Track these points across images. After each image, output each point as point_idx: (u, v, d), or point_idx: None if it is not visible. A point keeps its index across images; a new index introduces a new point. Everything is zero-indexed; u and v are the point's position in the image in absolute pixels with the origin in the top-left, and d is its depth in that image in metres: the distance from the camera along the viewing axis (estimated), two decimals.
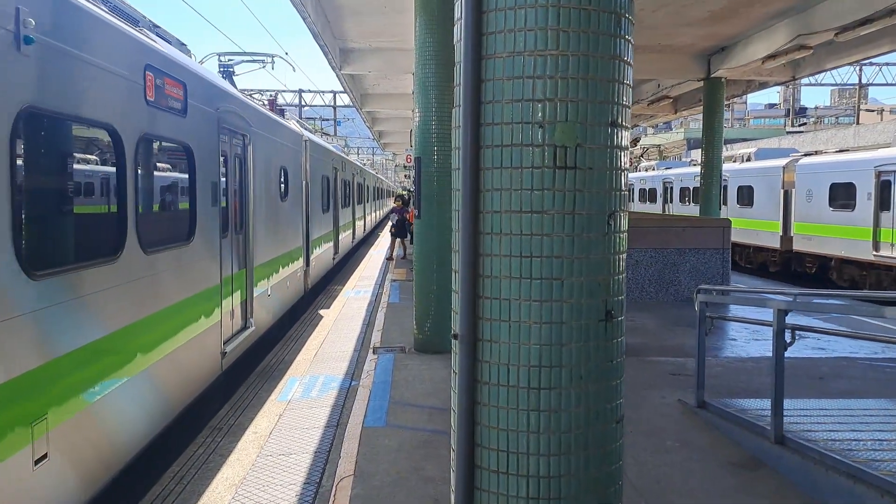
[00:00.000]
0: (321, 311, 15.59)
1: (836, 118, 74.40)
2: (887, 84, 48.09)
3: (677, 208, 30.75)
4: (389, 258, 22.97)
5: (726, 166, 24.60)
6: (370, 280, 19.53)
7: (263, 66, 15.80)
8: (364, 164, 45.89)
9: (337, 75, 19.72)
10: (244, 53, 15.29)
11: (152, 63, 6.21)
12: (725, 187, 24.00)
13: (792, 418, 5.72)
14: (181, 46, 8.36)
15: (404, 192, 29.37)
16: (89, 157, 5.52)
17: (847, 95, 75.83)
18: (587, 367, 2.84)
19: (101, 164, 5.58)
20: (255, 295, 10.07)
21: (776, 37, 15.00)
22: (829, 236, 19.57)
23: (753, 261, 24.12)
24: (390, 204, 28.07)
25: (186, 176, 7.30)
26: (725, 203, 24.02)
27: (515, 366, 2.83)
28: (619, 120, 2.89)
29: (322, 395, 8.72)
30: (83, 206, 5.35)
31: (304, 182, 14.83)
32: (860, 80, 47.43)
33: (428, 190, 9.21)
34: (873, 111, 59.09)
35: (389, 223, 24.64)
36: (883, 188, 17.61)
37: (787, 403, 5.61)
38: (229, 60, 14.77)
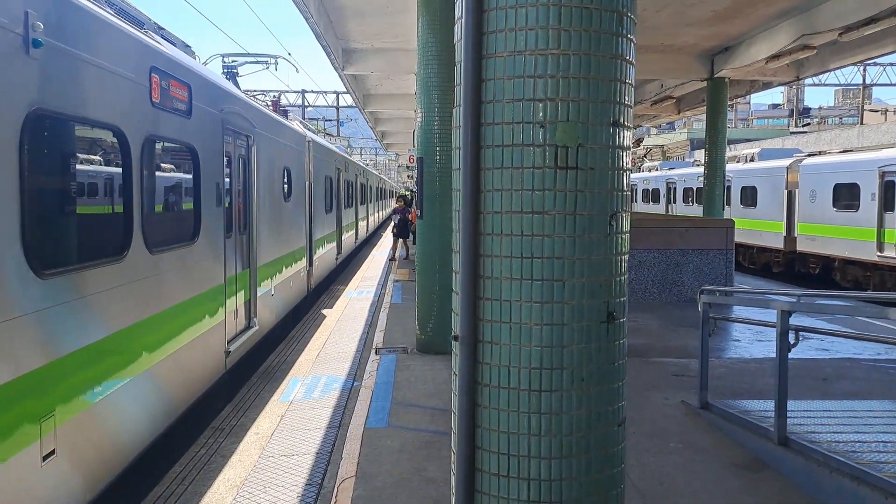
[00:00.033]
0: (324, 311, 15.59)
1: (840, 118, 74.23)
2: (891, 84, 48.04)
3: (680, 209, 30.70)
4: (392, 259, 22.97)
5: (730, 167, 24.54)
6: (373, 280, 19.51)
7: (267, 67, 15.85)
8: (367, 165, 45.89)
9: (340, 76, 19.72)
10: (248, 55, 15.35)
11: (157, 65, 6.27)
12: (729, 188, 23.95)
13: (795, 420, 5.70)
14: (185, 48, 8.43)
15: (407, 193, 29.38)
16: (96, 158, 5.59)
17: (851, 96, 75.66)
18: (588, 369, 2.81)
19: (108, 165, 5.64)
20: (258, 295, 10.12)
21: (780, 37, 14.96)
22: (833, 237, 19.51)
23: (757, 261, 24.07)
24: (393, 204, 28.04)
25: (191, 176, 7.37)
26: (729, 203, 23.97)
27: (516, 368, 2.81)
28: (621, 120, 2.87)
29: (324, 396, 8.70)
30: (90, 207, 5.43)
31: (307, 182, 14.86)
32: (864, 80, 47.30)
33: (430, 190, 9.20)
34: (877, 111, 58.94)
35: (392, 223, 24.64)
36: (887, 189, 17.55)
37: (790, 405, 5.58)
38: (233, 62, 14.86)
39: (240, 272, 9.25)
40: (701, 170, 23.18)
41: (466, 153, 2.84)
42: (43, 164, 4.62)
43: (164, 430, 6.47)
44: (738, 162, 26.65)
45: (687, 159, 48.45)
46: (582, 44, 2.74)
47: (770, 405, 5.70)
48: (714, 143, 19.33)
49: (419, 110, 9.25)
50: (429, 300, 9.35)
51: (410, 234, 22.24)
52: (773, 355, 5.66)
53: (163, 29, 7.76)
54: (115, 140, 5.50)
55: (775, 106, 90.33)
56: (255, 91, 33.91)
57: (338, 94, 43.63)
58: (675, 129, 61.84)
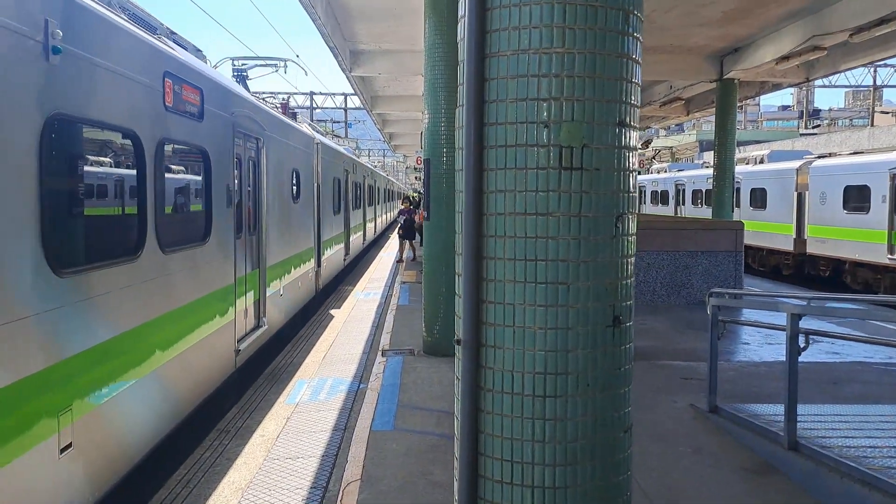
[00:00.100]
0: (332, 311, 15.60)
1: (851, 120, 73.84)
2: None
3: (689, 210, 30.60)
4: (399, 260, 22.96)
5: (739, 168, 24.44)
6: (380, 282, 19.49)
7: (276, 70, 15.89)
8: (375, 167, 45.93)
9: (347, 77, 19.76)
10: (257, 58, 15.43)
11: (170, 70, 6.41)
12: (738, 189, 23.83)
13: (806, 424, 5.64)
14: (197, 53, 8.61)
15: (414, 195, 29.38)
16: (112, 160, 5.72)
17: (861, 97, 75.22)
18: (594, 374, 2.76)
19: (123, 168, 5.80)
20: (267, 294, 10.26)
21: (790, 38, 14.87)
22: (843, 239, 19.39)
23: (766, 264, 23.94)
24: (401, 206, 28.05)
25: (203, 178, 7.53)
26: (738, 205, 23.85)
27: (520, 372, 2.76)
28: (628, 119, 2.82)
29: (330, 398, 8.67)
30: (106, 208, 5.60)
31: (315, 184, 14.95)
32: (875, 81, 47.05)
33: (437, 192, 9.17)
34: (888, 113, 58.68)
35: (398, 225, 24.65)
36: None
37: (800, 409, 5.52)
38: (243, 65, 15.00)
39: (249, 272, 9.39)
40: (710, 171, 23.11)
41: (469, 153, 2.79)
42: (62, 167, 4.80)
43: (176, 425, 6.61)
44: (747, 164, 26.53)
45: (696, 161, 48.28)
46: (587, 42, 2.69)
47: (780, 409, 5.64)
48: (723, 144, 19.25)
49: (426, 112, 9.23)
50: (435, 302, 9.32)
51: (417, 235, 22.26)
52: (783, 358, 5.60)
53: (175, 34, 7.92)
54: (130, 143, 5.67)
55: (785, 107, 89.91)
56: (264, 93, 34.01)
57: (346, 95, 43.70)
58: (684, 131, 61.68)
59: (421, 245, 11.19)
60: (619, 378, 2.84)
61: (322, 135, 19.31)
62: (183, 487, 6.43)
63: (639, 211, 33.61)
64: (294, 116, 15.97)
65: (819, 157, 22.76)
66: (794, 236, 21.97)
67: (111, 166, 5.68)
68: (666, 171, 37.15)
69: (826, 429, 5.71)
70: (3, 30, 3.92)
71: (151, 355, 5.98)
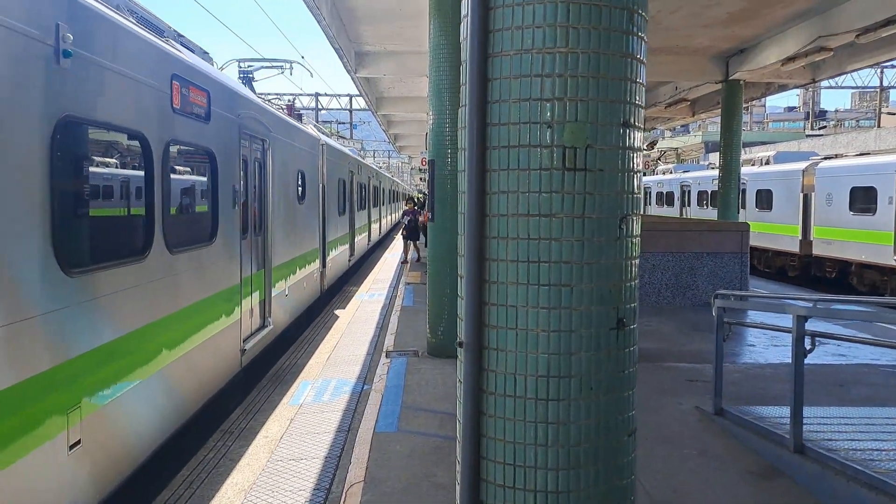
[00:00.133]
0: (337, 311, 15.60)
1: (857, 121, 73.57)
2: None
3: (695, 212, 30.53)
4: (404, 261, 22.95)
5: (745, 169, 24.36)
6: (384, 283, 19.47)
7: (282, 72, 15.94)
8: (380, 168, 45.95)
9: (352, 78, 19.76)
10: (263, 59, 15.50)
11: (178, 72, 6.50)
12: (744, 191, 23.77)
13: (812, 426, 5.60)
14: (203, 55, 8.70)
15: (419, 196, 29.37)
16: (120, 162, 5.80)
17: (868, 98, 74.98)
18: (597, 377, 2.74)
19: (131, 169, 5.87)
20: (273, 295, 10.33)
21: (796, 38, 14.82)
22: (850, 241, 19.31)
23: (772, 265, 23.86)
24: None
25: (209, 179, 7.60)
26: (744, 207, 23.79)
27: (523, 375, 2.74)
28: (632, 120, 2.79)
29: (334, 399, 8.65)
30: (114, 209, 5.68)
31: (320, 185, 15.02)
32: (881, 82, 46.92)
33: (442, 193, 9.15)
34: (894, 114, 58.41)
35: (402, 226, 24.65)
36: None
37: (806, 411, 5.48)
38: (249, 66, 15.10)
39: (255, 273, 9.47)
40: (715, 173, 23.05)
41: (472, 154, 2.77)
42: (72, 168, 4.86)
43: (182, 424, 6.69)
44: (753, 165, 26.45)
45: (702, 162, 48.19)
46: (591, 42, 2.67)
47: (785, 412, 5.60)
48: (729, 145, 19.19)
49: (431, 113, 9.22)
50: (440, 303, 9.30)
51: (420, 236, 22.28)
52: (789, 360, 5.55)
53: (182, 36, 8.02)
54: (138, 145, 5.74)
55: (791, 109, 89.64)
56: (270, 94, 34.05)
57: (351, 97, 43.77)
58: (689, 132, 61.55)
59: (426, 246, 11.20)
60: (622, 381, 2.81)
61: (327, 136, 19.35)
62: (186, 489, 6.42)
63: (644, 212, 33.51)
64: (300, 118, 16.00)
65: (825, 159, 22.68)
66: (800, 238, 21.89)
67: (119, 168, 5.76)
68: (671, 173, 37.08)
69: (832, 431, 5.67)
70: (15, 34, 4.00)
71: (158, 354, 6.06)
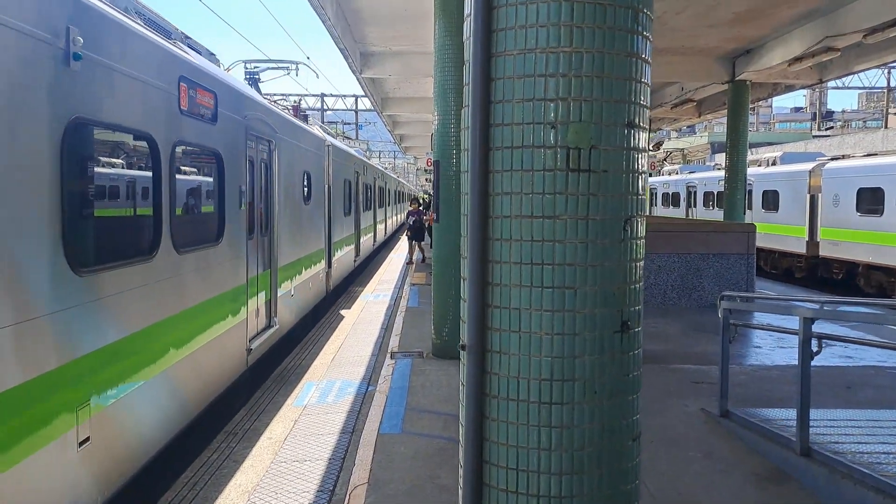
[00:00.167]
0: (342, 312, 15.61)
1: (864, 122, 73.24)
2: None
3: (701, 213, 30.44)
4: (409, 262, 22.94)
5: (751, 170, 24.28)
6: (390, 283, 19.47)
7: (288, 73, 15.97)
8: (385, 168, 45.95)
9: (358, 79, 19.77)
10: (269, 61, 15.56)
11: (185, 74, 6.56)
12: (750, 192, 23.69)
13: (818, 429, 5.56)
14: (210, 56, 8.78)
15: (424, 196, 29.37)
16: (129, 163, 5.87)
17: (875, 99, 74.66)
18: (601, 380, 2.70)
19: (140, 170, 5.94)
20: (278, 295, 10.40)
21: (803, 39, 14.75)
22: (857, 242, 19.22)
23: (779, 266, 23.77)
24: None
25: (216, 180, 7.67)
26: (750, 207, 23.69)
27: (526, 379, 2.71)
28: (637, 120, 2.76)
29: (338, 401, 8.63)
30: (122, 209, 5.75)
31: (326, 186, 15.06)
32: (888, 82, 46.74)
33: (447, 193, 9.12)
34: None
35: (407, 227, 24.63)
36: None
37: (813, 413, 5.44)
38: (255, 68, 15.18)
39: (261, 273, 9.53)
40: (722, 173, 22.96)
41: (475, 155, 2.75)
42: (82, 169, 4.91)
43: (189, 423, 6.73)
44: (759, 166, 26.36)
45: (708, 163, 48.04)
46: (595, 41, 2.64)
47: (792, 414, 5.56)
48: (735, 146, 19.12)
49: (436, 113, 9.20)
50: (444, 304, 9.27)
51: (425, 237, 22.27)
52: (795, 362, 5.52)
53: (189, 38, 8.10)
54: (146, 146, 5.81)
55: (798, 109, 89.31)
56: (276, 95, 34.08)
57: (356, 97, 43.84)
58: (695, 133, 61.40)
59: (430, 247, 11.17)
60: (627, 385, 2.78)
61: (333, 137, 19.38)
62: (189, 490, 6.42)
63: (650, 213, 33.40)
64: (305, 119, 16.03)
65: (832, 159, 22.59)
66: (807, 239, 21.80)
67: (128, 169, 5.82)
68: (677, 173, 36.99)
69: (839, 434, 5.62)
70: (27, 37, 4.06)
71: (166, 353, 6.12)
